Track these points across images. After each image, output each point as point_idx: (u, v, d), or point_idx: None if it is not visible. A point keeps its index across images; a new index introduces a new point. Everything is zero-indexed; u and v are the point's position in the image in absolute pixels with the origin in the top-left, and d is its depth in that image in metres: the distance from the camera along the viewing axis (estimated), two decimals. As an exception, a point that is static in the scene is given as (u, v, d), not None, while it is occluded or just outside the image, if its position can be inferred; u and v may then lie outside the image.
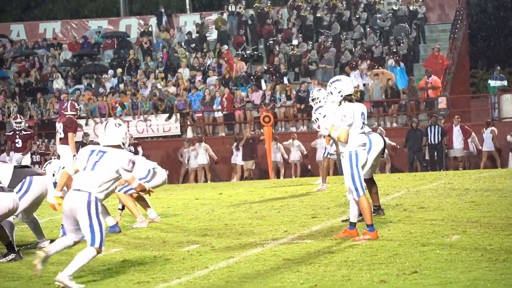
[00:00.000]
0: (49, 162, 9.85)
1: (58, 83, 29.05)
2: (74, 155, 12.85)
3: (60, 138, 13.45)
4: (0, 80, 29.90)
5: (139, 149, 24.56)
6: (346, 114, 8.38)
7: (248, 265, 7.20)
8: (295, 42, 29.10)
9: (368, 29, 28.77)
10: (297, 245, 8.14)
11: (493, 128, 22.76)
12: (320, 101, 11.07)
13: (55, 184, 9.41)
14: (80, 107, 13.56)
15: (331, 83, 8.65)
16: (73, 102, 14.06)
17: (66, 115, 13.57)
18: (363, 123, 8.54)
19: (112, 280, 6.88)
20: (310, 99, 11.91)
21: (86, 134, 24.16)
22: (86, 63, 30.18)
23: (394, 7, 29.40)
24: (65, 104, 14.04)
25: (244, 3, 31.24)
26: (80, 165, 7.21)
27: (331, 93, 8.56)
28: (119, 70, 29.15)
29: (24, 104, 27.50)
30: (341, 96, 8.49)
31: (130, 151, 24.49)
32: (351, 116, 8.41)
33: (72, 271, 6.81)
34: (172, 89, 27.55)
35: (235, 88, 27.36)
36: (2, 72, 30.44)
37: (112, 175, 7.11)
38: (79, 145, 18.01)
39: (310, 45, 28.79)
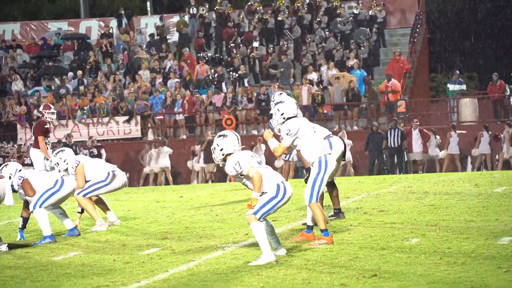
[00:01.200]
0: (6, 165, 9.71)
1: (17, 85, 28.72)
2: (46, 159, 12.66)
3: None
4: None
5: (102, 151, 24.38)
6: (290, 128, 8.46)
7: (208, 268, 7.18)
8: (255, 44, 29.14)
9: (328, 32, 28.93)
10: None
11: (461, 131, 23.10)
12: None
13: (12, 187, 9.29)
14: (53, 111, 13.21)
15: (275, 104, 8.73)
16: (48, 104, 13.76)
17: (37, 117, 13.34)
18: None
19: (70, 284, 6.80)
20: (272, 103, 11.86)
21: (69, 135, 23.96)
22: (45, 65, 29.88)
23: (355, 11, 29.59)
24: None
25: (207, 6, 31.20)
26: None
27: (275, 114, 8.64)
28: (79, 72, 28.92)
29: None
30: (283, 118, 8.58)
31: (93, 153, 24.37)
32: (296, 130, 8.47)
33: None
34: (131, 91, 27.42)
35: (196, 90, 27.32)
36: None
37: None
38: (62, 146, 17.71)
39: (271, 48, 28.85)
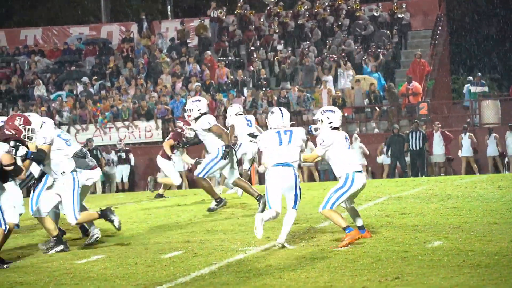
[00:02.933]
0: None
1: (40, 90, 28.93)
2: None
3: None
4: (-19, 87, 29.72)
5: (131, 156, 24.52)
6: (325, 140, 8.65)
7: (230, 272, 7.19)
8: (279, 48, 29.17)
9: (348, 35, 28.89)
10: (279, 251, 8.14)
11: (470, 133, 22.95)
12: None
13: None
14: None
15: (324, 111, 8.92)
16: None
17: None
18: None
19: (93, 287, 6.84)
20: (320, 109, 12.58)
21: (89, 140, 24.10)
22: (67, 70, 30.07)
23: (375, 14, 29.53)
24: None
25: (225, 10, 31.28)
26: None
27: (322, 121, 8.83)
28: (101, 77, 29.09)
29: (3, 111, 27.33)
30: (331, 127, 8.78)
31: (121, 157, 24.48)
32: (330, 143, 8.67)
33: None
34: (154, 95, 27.53)
35: (216, 94, 27.38)
36: (-17, 79, 30.25)
37: None
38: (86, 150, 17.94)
39: (291, 51, 28.86)
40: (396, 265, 6.97)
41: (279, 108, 9.18)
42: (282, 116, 8.92)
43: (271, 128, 8.96)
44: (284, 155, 8.66)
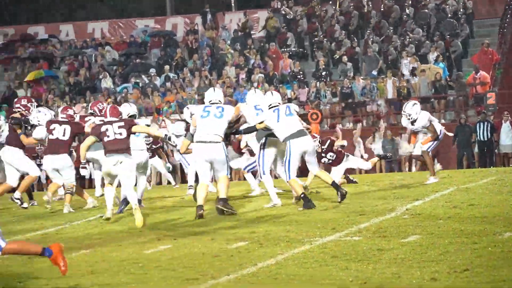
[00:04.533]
0: None
1: (106, 82, 29.39)
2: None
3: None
4: (50, 80, 30.37)
5: None
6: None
7: (296, 262, 7.18)
8: (343, 38, 29.00)
9: (414, 25, 28.53)
10: (345, 242, 8.10)
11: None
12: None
13: None
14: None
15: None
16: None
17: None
18: None
19: (161, 277, 6.92)
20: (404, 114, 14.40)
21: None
22: (133, 62, 30.47)
23: (442, 3, 29.10)
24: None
25: (291, 1, 31.24)
26: None
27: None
28: (166, 68, 29.37)
29: (72, 103, 27.86)
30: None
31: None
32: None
33: None
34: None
35: (280, 85, 27.38)
36: (52, 72, 30.90)
37: None
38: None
39: (356, 42, 28.66)
40: (465, 257, 6.86)
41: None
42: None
43: None
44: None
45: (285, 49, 29.41)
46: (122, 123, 11.14)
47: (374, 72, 27.43)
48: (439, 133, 14.42)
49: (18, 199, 14.31)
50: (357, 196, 12.55)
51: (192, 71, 29.11)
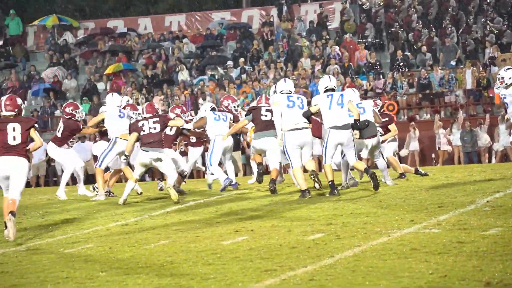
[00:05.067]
0: None
1: (183, 75, 29.72)
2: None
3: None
4: (129, 72, 30.88)
5: None
6: None
7: (374, 255, 7.13)
8: (420, 28, 28.59)
9: (495, 14, 27.92)
10: (424, 234, 8.00)
11: None
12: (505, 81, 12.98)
13: None
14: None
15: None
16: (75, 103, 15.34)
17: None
18: None
19: (240, 268, 6.96)
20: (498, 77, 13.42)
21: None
22: (209, 54, 30.70)
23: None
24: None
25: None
26: None
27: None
28: (241, 60, 29.50)
29: (150, 96, 28.28)
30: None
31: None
32: None
33: None
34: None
35: (356, 76, 27.19)
36: (130, 65, 31.42)
37: None
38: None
39: (433, 31, 28.22)
40: (549, 251, 6.70)
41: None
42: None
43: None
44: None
45: (362, 40, 29.18)
46: (157, 119, 12.85)
47: (453, 62, 26.96)
48: None
49: (108, 192, 14.79)
50: (436, 188, 12.37)
51: (267, 63, 29.16)
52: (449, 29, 27.73)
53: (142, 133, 12.80)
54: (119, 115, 14.45)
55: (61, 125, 14.91)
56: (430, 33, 28.05)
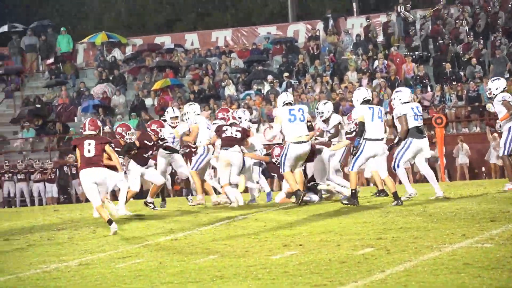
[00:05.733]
0: None
1: (230, 90, 29.85)
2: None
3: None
4: (176, 88, 31.13)
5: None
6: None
7: (426, 270, 7.05)
8: (469, 40, 28.29)
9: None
10: (476, 249, 7.89)
11: None
12: None
13: None
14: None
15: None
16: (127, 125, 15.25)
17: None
18: None
19: (289, 282, 6.95)
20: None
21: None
22: (255, 69, 30.79)
23: None
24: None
25: (410, 4, 30.82)
26: None
27: None
28: (287, 75, 29.54)
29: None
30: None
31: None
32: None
33: None
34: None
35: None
36: (177, 80, 31.67)
37: None
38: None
39: (482, 43, 27.92)
40: None
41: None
42: None
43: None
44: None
45: (409, 53, 29.00)
46: (239, 128, 14.58)
47: (504, 75, 26.64)
48: None
49: (151, 203, 14.99)
50: (487, 202, 12.20)
51: (313, 77, 29.15)
52: (499, 41, 27.40)
53: (224, 135, 14.42)
54: (207, 126, 15.03)
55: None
56: (479, 45, 27.75)
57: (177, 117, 15.32)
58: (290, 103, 13.63)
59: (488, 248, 7.91)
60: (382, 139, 12.74)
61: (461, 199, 13.15)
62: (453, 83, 26.66)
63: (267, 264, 7.92)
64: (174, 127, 15.24)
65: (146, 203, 15.28)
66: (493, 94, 13.88)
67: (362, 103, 12.75)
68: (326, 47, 30.99)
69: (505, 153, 13.79)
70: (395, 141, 13.24)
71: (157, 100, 30.63)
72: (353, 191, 12.74)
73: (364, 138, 12.56)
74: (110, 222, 11.72)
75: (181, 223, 12.49)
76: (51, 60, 34.56)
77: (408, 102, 13.22)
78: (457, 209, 11.41)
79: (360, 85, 27.92)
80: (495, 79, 14.16)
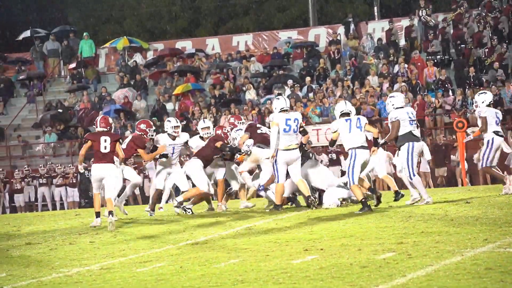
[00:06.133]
0: None
1: (250, 94, 29.88)
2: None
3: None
4: (197, 92, 31.21)
5: (341, 157, 24.64)
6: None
7: (447, 274, 7.02)
8: (492, 44, 28.13)
9: None
10: (498, 254, 7.84)
11: None
12: None
13: None
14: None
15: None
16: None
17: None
18: None
19: (310, 287, 6.94)
20: None
21: (308, 142, 24.79)
22: (276, 73, 30.80)
23: None
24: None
25: (431, 8, 30.71)
26: None
27: None
28: (308, 79, 29.52)
29: (217, 115, 28.51)
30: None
31: (332, 158, 25.33)
32: None
33: None
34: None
35: (425, 94, 26.92)
36: (198, 85, 31.75)
37: None
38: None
39: (505, 47, 27.75)
40: None
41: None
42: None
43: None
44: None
45: (430, 57, 28.88)
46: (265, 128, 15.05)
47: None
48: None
49: (189, 209, 14.99)
50: (509, 206, 12.13)
51: (334, 81, 29.10)
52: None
53: (259, 131, 14.72)
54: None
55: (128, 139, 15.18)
56: (502, 49, 27.58)
57: (208, 127, 15.42)
58: (286, 110, 13.81)
59: (510, 252, 7.86)
60: (366, 147, 13.15)
61: (483, 203, 13.07)
62: (475, 87, 26.52)
63: (288, 269, 7.92)
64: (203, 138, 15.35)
65: (184, 209, 15.12)
66: (479, 107, 14.56)
67: (340, 116, 13.35)
68: (347, 51, 30.94)
69: (483, 165, 14.45)
70: (380, 142, 13.74)
71: (178, 105, 30.72)
72: (363, 200, 12.94)
73: (349, 149, 13.11)
74: (97, 214, 13.12)
75: (202, 228, 12.52)
76: (73, 65, 34.79)
77: (402, 107, 13.53)
78: (479, 214, 11.35)
79: (381, 89, 27.86)
80: (482, 93, 14.80)
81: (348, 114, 13.35)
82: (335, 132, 13.30)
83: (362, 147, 13.09)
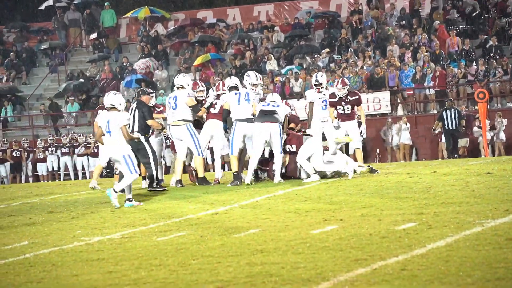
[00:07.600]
0: None
1: (271, 64, 29.78)
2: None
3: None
4: (218, 62, 31.15)
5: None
6: None
7: (468, 245, 7.00)
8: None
9: None
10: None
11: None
12: None
13: None
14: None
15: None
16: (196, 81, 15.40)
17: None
18: None
19: (330, 257, 6.95)
20: None
21: None
22: (297, 44, 30.65)
23: None
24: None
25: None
26: None
27: None
28: (327, 50, 29.35)
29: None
30: None
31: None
32: None
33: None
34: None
35: (447, 63, 26.70)
36: (218, 55, 31.68)
37: None
38: None
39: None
40: None
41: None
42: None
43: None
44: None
45: (453, 27, 28.59)
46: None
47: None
48: None
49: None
50: (531, 178, 12.05)
51: (356, 52, 28.92)
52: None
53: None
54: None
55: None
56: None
57: (257, 84, 14.66)
58: (235, 87, 14.22)
59: (532, 224, 7.83)
60: (251, 119, 13.78)
61: (505, 174, 12.99)
62: (497, 57, 26.25)
63: (307, 239, 7.94)
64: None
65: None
66: None
67: (229, 89, 14.09)
68: (369, 21, 30.69)
69: None
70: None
71: (199, 75, 30.71)
72: (235, 173, 13.92)
73: (234, 120, 13.84)
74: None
75: (222, 198, 12.56)
76: (94, 35, 34.82)
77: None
78: (500, 185, 11.29)
79: (403, 60, 27.64)
80: None
81: (236, 88, 14.05)
82: (226, 103, 14.03)
83: (248, 119, 13.79)
